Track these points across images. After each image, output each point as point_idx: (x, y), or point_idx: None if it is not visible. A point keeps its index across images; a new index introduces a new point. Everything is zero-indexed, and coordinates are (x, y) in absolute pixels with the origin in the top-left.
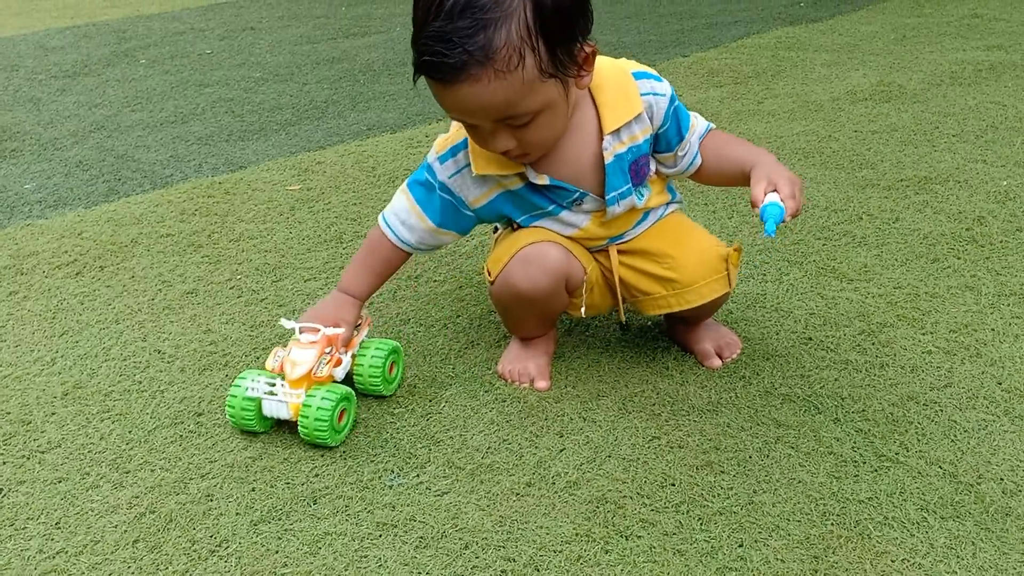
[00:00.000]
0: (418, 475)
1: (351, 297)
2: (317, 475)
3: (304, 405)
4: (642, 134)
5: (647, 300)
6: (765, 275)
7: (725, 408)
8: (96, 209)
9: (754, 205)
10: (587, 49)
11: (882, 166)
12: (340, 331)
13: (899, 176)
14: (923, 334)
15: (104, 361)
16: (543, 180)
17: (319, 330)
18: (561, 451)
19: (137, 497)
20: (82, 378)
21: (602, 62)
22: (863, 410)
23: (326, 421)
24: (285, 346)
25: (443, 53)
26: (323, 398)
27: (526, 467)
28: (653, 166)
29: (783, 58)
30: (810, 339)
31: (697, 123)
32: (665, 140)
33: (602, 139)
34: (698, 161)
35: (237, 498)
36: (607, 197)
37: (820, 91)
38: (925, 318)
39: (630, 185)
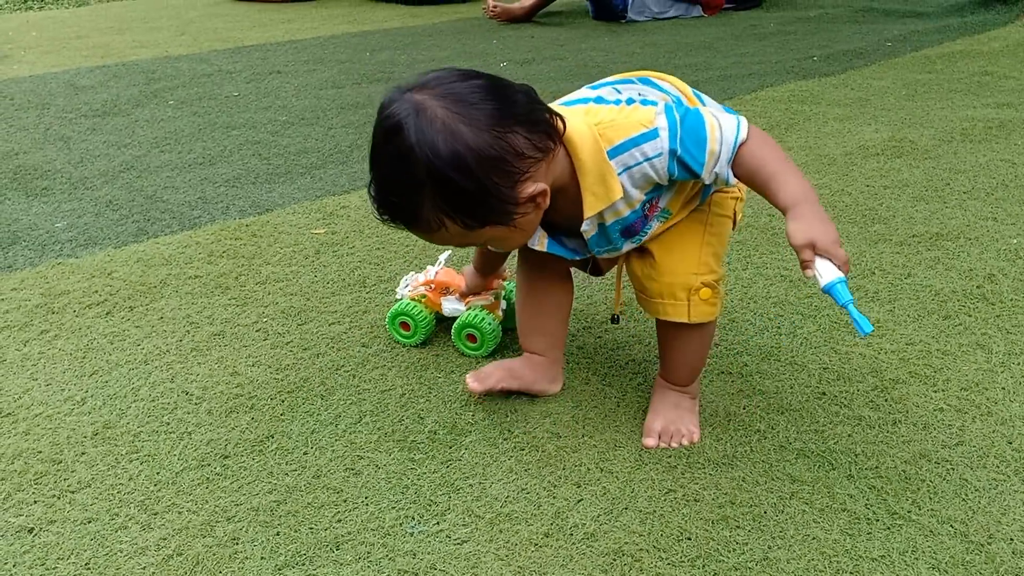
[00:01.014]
0: (438, 523)
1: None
2: (340, 520)
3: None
4: (628, 207)
5: (637, 294)
6: (779, 328)
7: (740, 462)
8: (126, 249)
9: (803, 268)
10: (526, 192)
11: (894, 221)
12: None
13: (911, 232)
14: (935, 391)
15: (133, 402)
16: (541, 247)
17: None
18: (579, 502)
19: (165, 539)
20: (112, 418)
21: (583, 140)
22: (876, 467)
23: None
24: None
25: (386, 215)
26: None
27: (544, 517)
28: (665, 200)
29: (796, 111)
30: (824, 393)
31: (720, 149)
32: (683, 180)
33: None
34: (733, 181)
35: (262, 542)
36: (594, 251)
37: (833, 145)
38: (937, 375)
39: (618, 243)
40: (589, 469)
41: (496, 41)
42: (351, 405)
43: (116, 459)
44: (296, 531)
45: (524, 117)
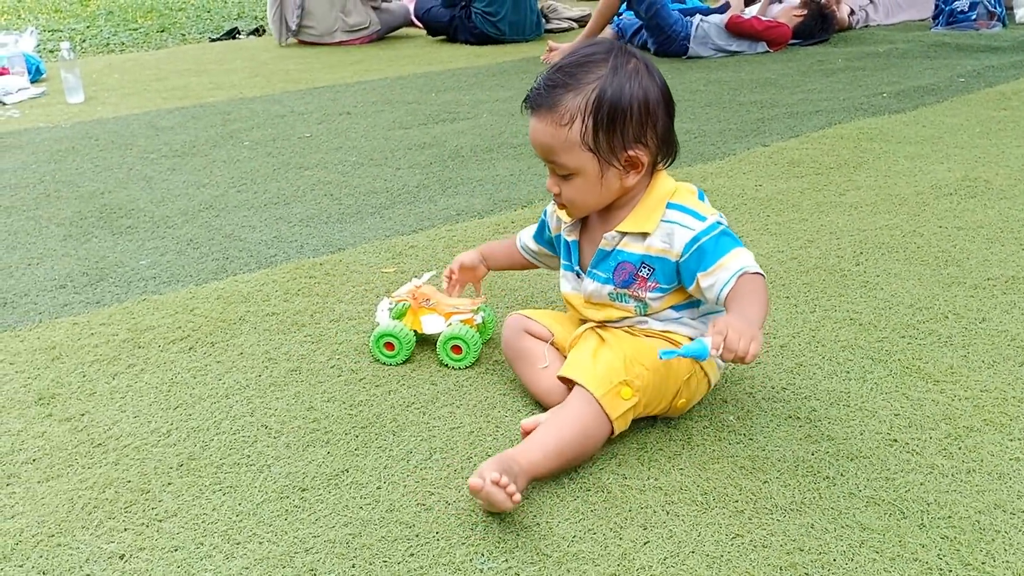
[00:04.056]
0: (507, 560)
1: (480, 254)
2: (412, 555)
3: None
4: (641, 248)
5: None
6: (849, 373)
7: (809, 508)
8: (207, 286)
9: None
10: (630, 152)
11: (968, 263)
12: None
13: (986, 275)
14: (1011, 440)
15: (215, 434)
16: (571, 237)
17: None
18: (645, 544)
19: (247, 568)
20: (196, 450)
21: (664, 183)
22: (949, 516)
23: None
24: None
25: (537, 91)
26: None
27: (611, 558)
28: (654, 295)
29: (866, 149)
30: (895, 440)
31: (730, 263)
32: (686, 271)
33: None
34: (723, 298)
35: (338, 573)
36: (587, 271)
37: (904, 184)
38: (1013, 423)
39: (610, 282)
40: (655, 511)
41: None
42: (422, 441)
43: (200, 490)
44: (371, 564)
45: (671, 118)
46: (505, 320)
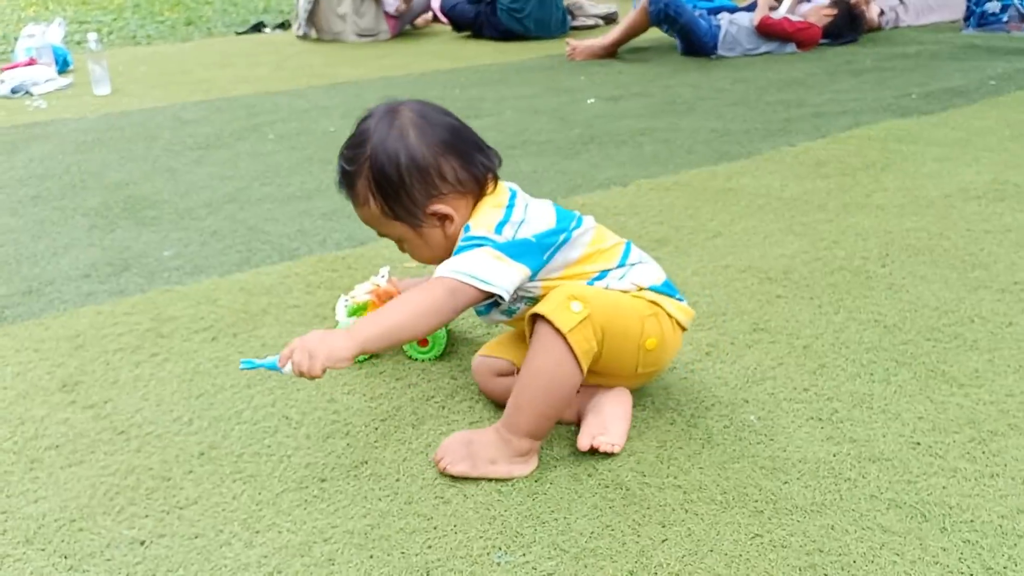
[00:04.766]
0: (524, 554)
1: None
2: (430, 547)
3: None
4: None
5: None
6: (872, 375)
7: (829, 509)
8: (229, 278)
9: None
10: (430, 210)
11: (995, 267)
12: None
13: (1013, 279)
14: None
15: (237, 424)
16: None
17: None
18: (663, 541)
19: (266, 557)
20: (217, 439)
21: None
22: (971, 520)
23: None
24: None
25: (338, 176)
26: None
27: (629, 555)
28: (525, 293)
29: (893, 151)
30: (918, 443)
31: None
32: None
33: None
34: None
35: (356, 564)
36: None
37: (931, 187)
38: None
39: (490, 308)
40: (673, 509)
41: (584, 77)
42: (441, 435)
43: (221, 478)
44: (389, 555)
45: (464, 156)
46: (472, 366)
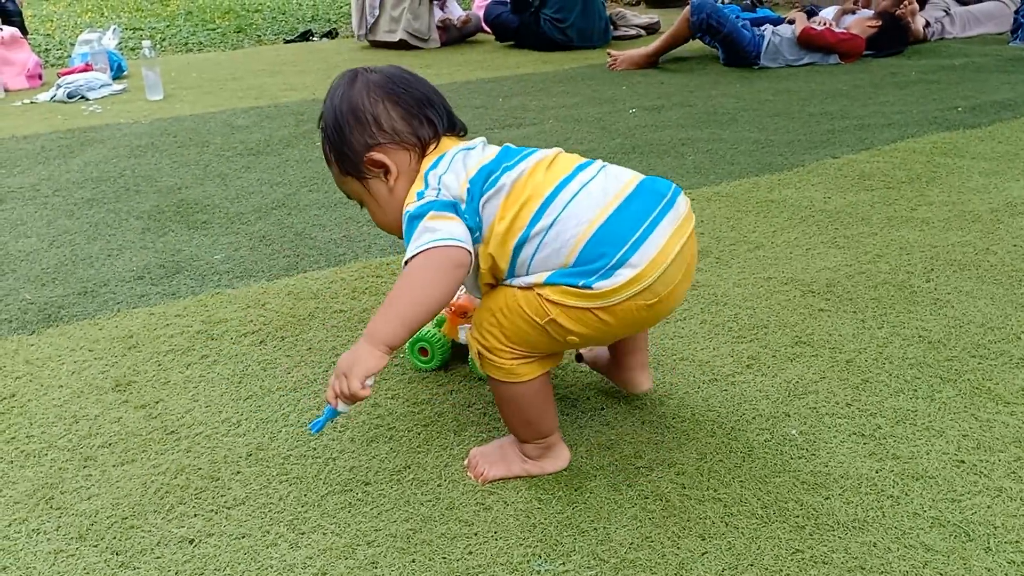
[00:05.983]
0: (564, 563)
1: None
2: (471, 553)
3: None
4: None
5: None
6: (916, 391)
7: (871, 526)
8: (278, 282)
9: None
10: (370, 155)
11: None
12: None
13: None
14: None
15: (283, 426)
16: None
17: None
18: (703, 554)
19: (311, 558)
20: (264, 441)
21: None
22: (1017, 541)
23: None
24: None
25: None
26: None
27: (668, 567)
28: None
29: (938, 164)
30: (962, 462)
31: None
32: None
33: None
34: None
35: (399, 568)
36: None
37: (977, 201)
38: None
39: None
40: (714, 522)
41: (626, 87)
42: (482, 442)
43: (268, 480)
44: (431, 559)
45: (410, 109)
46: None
